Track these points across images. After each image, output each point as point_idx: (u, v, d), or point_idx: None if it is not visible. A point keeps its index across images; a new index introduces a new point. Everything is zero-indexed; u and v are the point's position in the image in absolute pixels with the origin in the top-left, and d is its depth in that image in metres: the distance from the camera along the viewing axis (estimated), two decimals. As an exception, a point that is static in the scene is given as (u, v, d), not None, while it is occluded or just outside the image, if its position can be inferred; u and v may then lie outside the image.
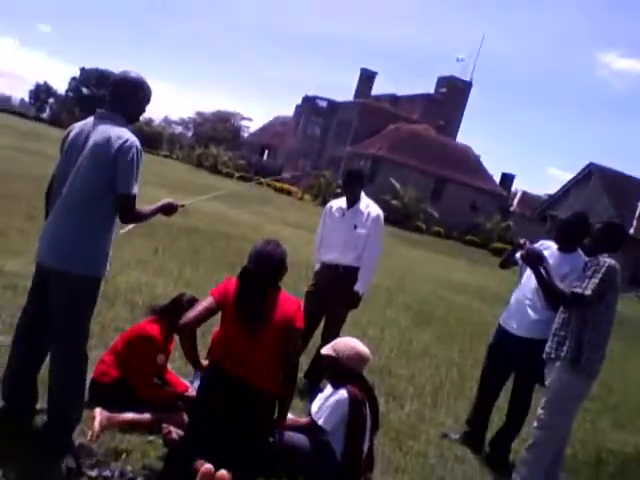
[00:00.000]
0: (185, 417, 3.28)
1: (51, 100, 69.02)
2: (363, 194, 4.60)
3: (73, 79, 66.07)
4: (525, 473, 3.61)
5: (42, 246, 2.83)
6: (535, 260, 3.83)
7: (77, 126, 2.91)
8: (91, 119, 2.87)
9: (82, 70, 65.04)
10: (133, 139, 2.77)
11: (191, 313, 2.97)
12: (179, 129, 69.81)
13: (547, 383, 3.63)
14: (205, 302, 3.02)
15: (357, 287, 4.43)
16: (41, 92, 70.15)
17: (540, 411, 3.61)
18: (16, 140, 19.95)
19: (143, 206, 2.93)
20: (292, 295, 3.12)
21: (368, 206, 4.53)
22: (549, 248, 4.10)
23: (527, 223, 33.77)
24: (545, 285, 3.80)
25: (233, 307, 2.97)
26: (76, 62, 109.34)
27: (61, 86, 69.52)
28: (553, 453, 3.64)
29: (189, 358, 3.11)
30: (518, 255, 4.11)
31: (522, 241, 4.02)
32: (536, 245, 4.08)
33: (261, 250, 3.04)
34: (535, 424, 3.62)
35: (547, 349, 3.64)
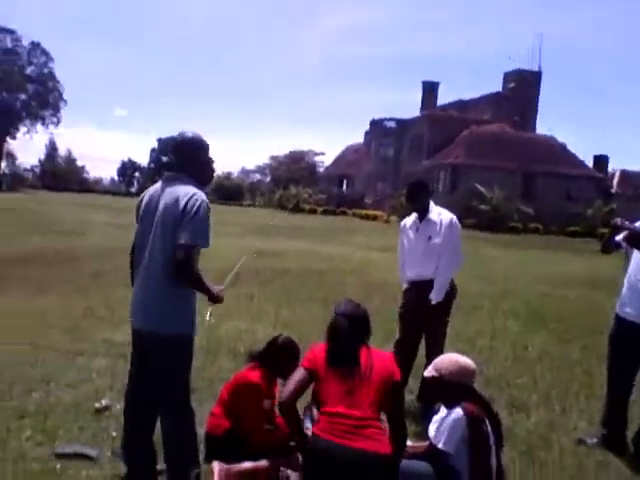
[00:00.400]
0: (300, 457, 3.21)
1: (137, 174, 73.42)
2: (432, 203, 4.53)
3: (153, 150, 70.09)
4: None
5: (133, 311, 2.93)
6: (638, 239, 3.51)
7: (148, 192, 3.01)
8: (160, 183, 2.97)
9: (159, 140, 68.85)
10: (199, 194, 2.81)
11: (286, 390, 2.90)
12: (257, 177, 71.97)
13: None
14: (297, 375, 2.94)
15: (432, 295, 4.31)
16: (127, 169, 74.87)
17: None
18: (111, 217, 21.29)
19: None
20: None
21: (440, 214, 4.46)
22: None
23: (632, 202, 31.66)
24: None
25: (327, 369, 2.88)
26: (154, 134, 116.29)
27: (144, 159, 73.63)
28: None
29: (295, 434, 3.02)
30: (620, 237, 3.80)
31: (618, 221, 3.71)
32: (637, 224, 3.74)
33: (344, 310, 3.04)
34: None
35: None
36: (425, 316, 4.40)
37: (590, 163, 41.05)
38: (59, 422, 3.76)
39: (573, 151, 40.04)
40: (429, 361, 4.20)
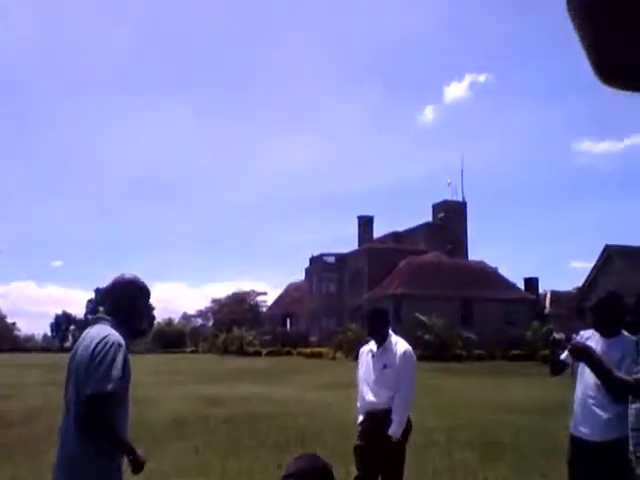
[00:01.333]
0: None
1: (72, 327, 70.86)
2: (391, 332, 4.55)
3: (89, 301, 68.40)
4: None
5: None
6: (582, 355, 3.56)
7: (79, 339, 2.88)
8: (89, 327, 2.85)
9: (97, 290, 67.51)
10: (111, 335, 2.66)
11: None
12: (199, 321, 70.70)
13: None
14: None
15: (391, 431, 4.18)
16: (62, 322, 72.28)
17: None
18: (44, 375, 20.09)
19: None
20: None
21: (396, 344, 4.46)
22: (591, 337, 3.83)
23: (566, 321, 32.73)
24: (603, 378, 3.49)
25: None
26: (90, 284, 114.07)
27: (80, 312, 71.59)
28: None
29: None
30: (564, 355, 3.85)
31: (557, 336, 3.77)
32: (576, 338, 3.82)
33: (295, 470, 2.28)
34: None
35: (631, 448, 3.24)
36: (381, 449, 4.24)
37: (522, 285, 42.77)
38: None
39: (505, 274, 41.82)
40: None
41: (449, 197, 47.05)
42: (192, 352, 48.14)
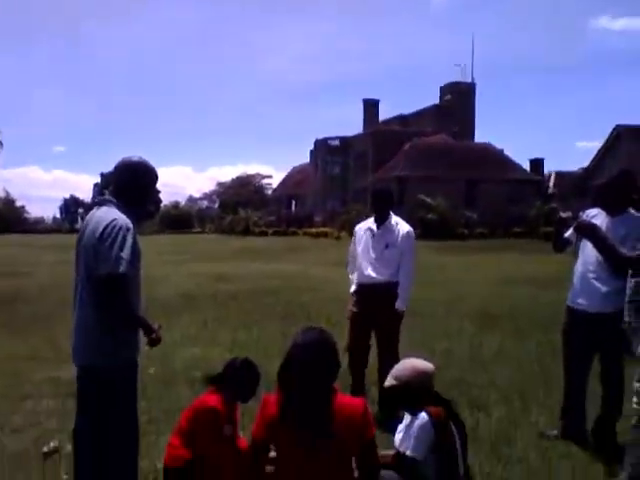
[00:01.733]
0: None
1: (80, 210, 71.63)
2: (391, 213, 4.60)
3: (96, 185, 68.52)
4: (637, 453, 3.28)
5: (71, 348, 2.82)
6: (588, 231, 3.60)
7: (85, 219, 2.90)
8: (95, 208, 2.85)
9: (102, 175, 67.47)
10: (119, 219, 2.67)
11: (246, 470, 2.63)
12: (205, 204, 71.31)
13: (638, 352, 3.33)
14: (251, 449, 2.63)
15: (398, 305, 4.40)
16: (70, 205, 73.00)
17: (637, 384, 3.30)
18: (56, 254, 20.61)
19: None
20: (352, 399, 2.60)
21: (397, 224, 4.53)
22: (597, 216, 3.86)
23: (569, 201, 32.85)
24: (607, 253, 3.55)
25: (280, 430, 2.42)
26: (95, 169, 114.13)
27: (87, 196, 72.02)
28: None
29: None
30: (569, 232, 3.90)
31: (564, 215, 3.80)
32: (582, 216, 3.84)
33: (303, 340, 2.45)
34: (635, 399, 3.31)
35: (626, 318, 3.37)
36: (377, 320, 4.43)
37: (527, 167, 42.47)
38: (4, 472, 3.55)
39: (511, 156, 41.39)
40: (382, 366, 4.24)
41: (458, 79, 45.49)
42: (199, 233, 49.06)
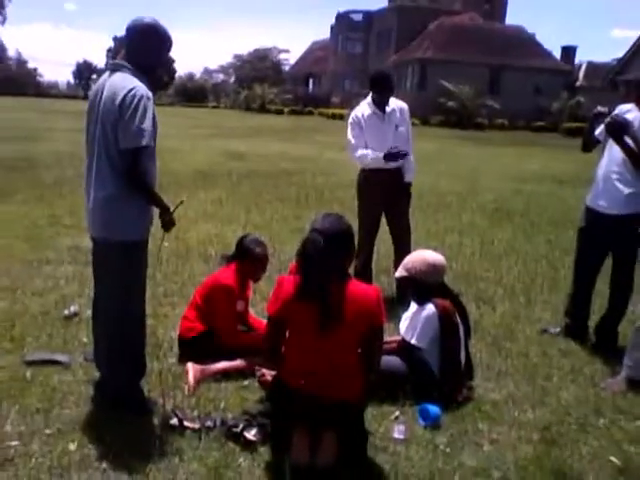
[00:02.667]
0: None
1: (94, 76, 70.05)
2: None
3: (109, 50, 66.46)
4: (638, 356, 3.38)
5: (87, 219, 2.80)
6: (620, 128, 3.45)
7: (94, 86, 2.77)
8: (104, 75, 2.70)
9: (114, 39, 65.19)
10: (138, 88, 2.53)
11: (265, 346, 2.63)
12: (220, 77, 69.34)
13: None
14: (268, 326, 2.62)
15: (407, 177, 4.55)
16: (83, 70, 71.28)
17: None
18: (70, 121, 20.38)
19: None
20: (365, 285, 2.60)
21: (395, 103, 4.54)
22: (630, 111, 3.68)
23: (598, 95, 31.52)
24: (634, 154, 3.43)
25: (296, 306, 2.48)
26: (108, 31, 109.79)
27: (101, 60, 70.05)
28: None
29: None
30: (599, 131, 3.75)
31: (602, 109, 3.63)
32: (615, 112, 3.67)
33: (321, 226, 2.51)
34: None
35: None
36: (390, 203, 4.55)
37: (558, 54, 40.39)
38: (27, 330, 3.70)
39: (542, 42, 39.30)
40: (398, 254, 4.33)
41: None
42: (214, 107, 48.17)
